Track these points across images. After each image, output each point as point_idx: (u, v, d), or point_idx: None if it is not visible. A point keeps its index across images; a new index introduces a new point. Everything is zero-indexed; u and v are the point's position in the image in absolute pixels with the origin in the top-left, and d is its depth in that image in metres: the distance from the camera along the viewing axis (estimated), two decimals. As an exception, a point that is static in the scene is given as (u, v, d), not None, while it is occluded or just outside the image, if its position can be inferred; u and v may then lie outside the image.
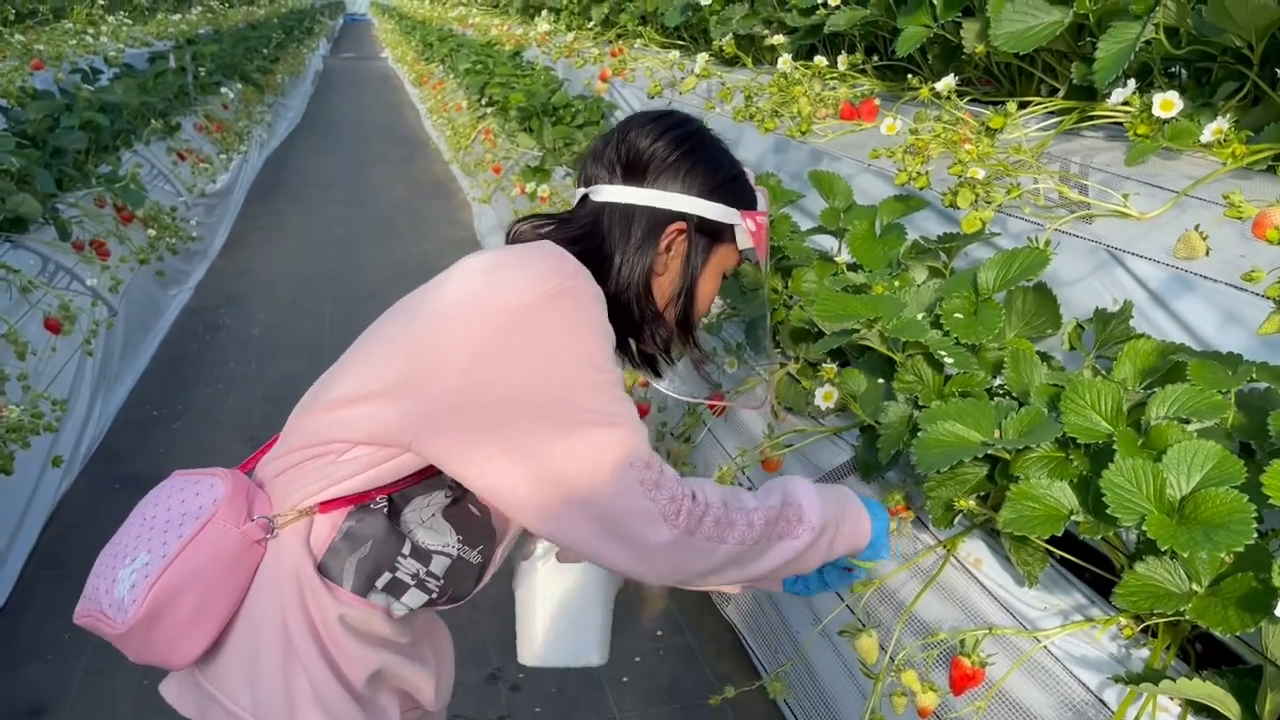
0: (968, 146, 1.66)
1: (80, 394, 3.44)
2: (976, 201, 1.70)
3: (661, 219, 1.20)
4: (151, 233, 4.06)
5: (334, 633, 1.08)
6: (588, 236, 1.19)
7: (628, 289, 1.19)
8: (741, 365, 2.26)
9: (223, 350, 4.57)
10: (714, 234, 1.22)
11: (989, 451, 1.29)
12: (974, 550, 1.63)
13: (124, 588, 1.03)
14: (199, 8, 8.61)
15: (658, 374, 1.34)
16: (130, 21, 6.40)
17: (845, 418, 2.13)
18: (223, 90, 6.82)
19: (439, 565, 1.11)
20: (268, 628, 1.07)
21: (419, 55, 12.59)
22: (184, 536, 1.03)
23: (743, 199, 1.23)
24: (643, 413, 2.76)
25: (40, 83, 4.39)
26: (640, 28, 5.03)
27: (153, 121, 4.86)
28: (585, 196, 1.23)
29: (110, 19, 5.97)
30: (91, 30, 5.46)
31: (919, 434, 1.34)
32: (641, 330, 1.23)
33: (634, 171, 1.21)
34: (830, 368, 1.55)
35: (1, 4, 4.73)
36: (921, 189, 1.97)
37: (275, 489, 1.10)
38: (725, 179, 1.22)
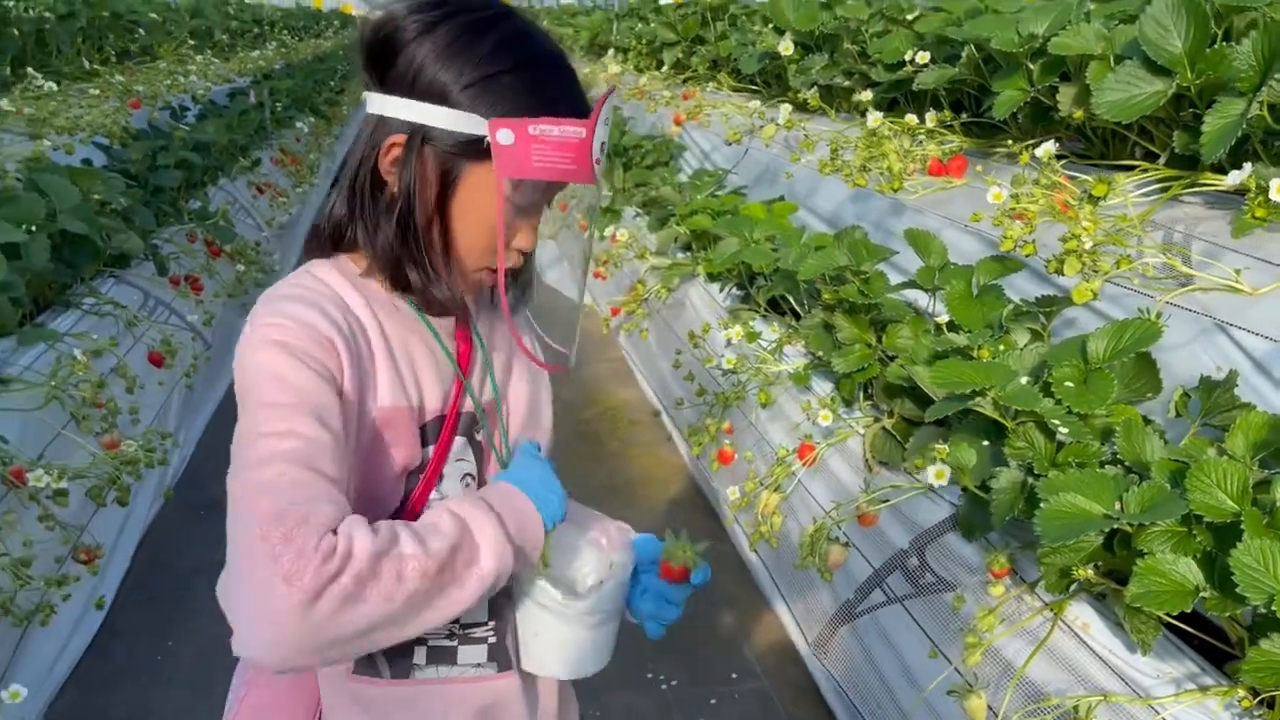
0: (1083, 223, 1.71)
1: (169, 422, 3.57)
2: (1084, 270, 1.74)
3: (386, 130, 1.00)
4: (241, 268, 4.20)
5: None
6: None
7: (348, 216, 1.04)
8: (836, 419, 2.31)
9: (297, 379, 4.69)
10: (460, 148, 0.98)
11: (1113, 526, 1.32)
12: (1081, 614, 1.66)
13: None
14: (274, 43, 8.87)
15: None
16: (217, 60, 6.63)
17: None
18: (298, 125, 7.03)
19: None
20: None
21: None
22: None
23: (509, 103, 0.97)
24: (725, 460, 2.82)
25: (136, 121, 4.57)
26: (712, 72, 5.12)
27: (240, 159, 5.03)
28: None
29: (199, 58, 6.19)
30: (181, 69, 5.66)
31: (1041, 505, 1.38)
32: (414, 267, 1.03)
33: (376, 70, 1.00)
34: (943, 448, 1.59)
35: (102, 45, 4.93)
36: (1008, 250, 2.02)
37: None
38: (484, 73, 0.97)
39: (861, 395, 2.41)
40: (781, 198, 3.68)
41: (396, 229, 1.01)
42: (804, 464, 2.43)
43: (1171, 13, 1.97)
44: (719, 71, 4.91)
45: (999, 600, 1.70)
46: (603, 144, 1.00)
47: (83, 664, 2.55)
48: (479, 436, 1.14)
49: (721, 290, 3.35)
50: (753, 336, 2.77)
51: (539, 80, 0.99)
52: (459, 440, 1.12)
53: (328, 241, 1.08)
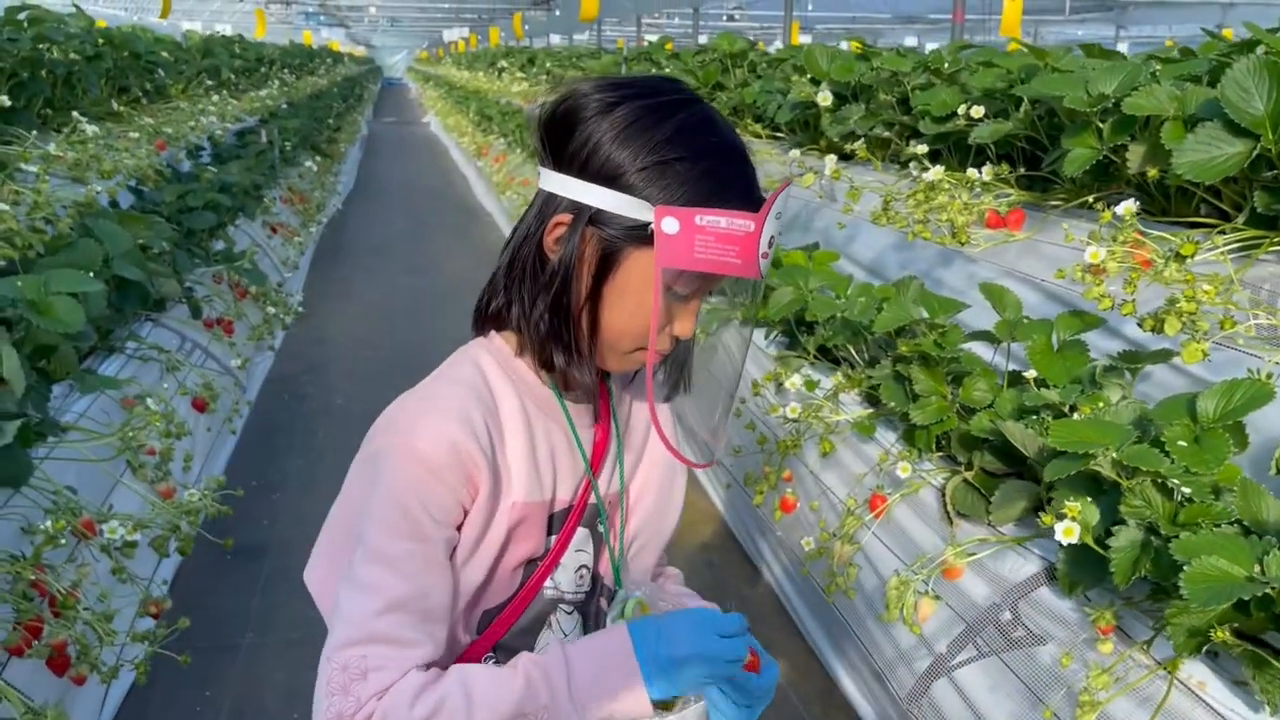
0: (1197, 285, 1.74)
1: (195, 466, 3.53)
2: (1184, 328, 1.77)
3: (554, 207, 1.00)
4: (271, 310, 4.19)
5: None
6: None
7: (506, 291, 1.04)
8: (914, 472, 2.33)
9: (310, 419, 4.66)
10: (625, 232, 0.97)
11: (1265, 591, 1.34)
12: (1194, 672, 1.67)
13: None
14: (276, 82, 8.90)
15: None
16: (234, 100, 6.64)
17: (1025, 526, 2.18)
18: (307, 164, 7.04)
19: None
20: None
21: (476, 126, 12.89)
22: None
23: (677, 190, 0.95)
24: (787, 508, 2.82)
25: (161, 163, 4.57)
26: (733, 119, 5.18)
27: (263, 199, 5.03)
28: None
29: (215, 98, 6.20)
30: (199, 109, 5.67)
31: (1185, 569, 1.39)
32: (561, 347, 1.03)
33: (551, 146, 1.00)
34: (1074, 506, 1.60)
35: (128, 86, 4.93)
36: (1105, 309, 2.05)
37: None
38: (658, 159, 0.95)
39: (934, 446, 2.42)
40: (817, 244, 3.71)
41: (550, 307, 1.01)
42: (876, 515, 2.44)
43: (1253, 75, 2.02)
44: (743, 118, 4.97)
45: (1111, 659, 1.71)
46: (771, 238, 0.97)
47: (121, 715, 2.50)
48: (600, 527, 1.14)
49: (767, 337, 3.37)
50: (812, 385, 2.78)
51: (712, 171, 0.96)
52: (581, 531, 1.12)
53: (488, 318, 1.09)
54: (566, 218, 0.98)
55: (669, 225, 0.93)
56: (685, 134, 0.96)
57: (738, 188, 0.97)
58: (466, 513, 1.01)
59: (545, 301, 1.01)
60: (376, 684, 0.93)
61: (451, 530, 1.00)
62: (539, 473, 1.06)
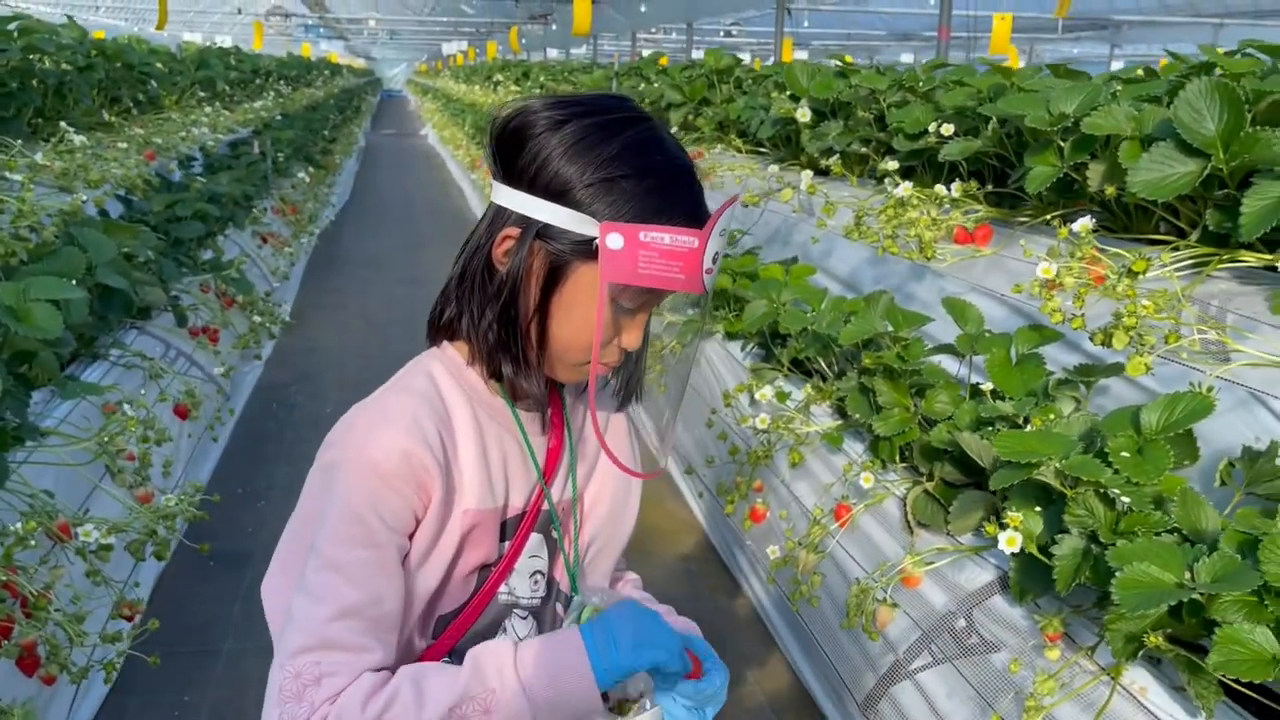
0: (1138, 300, 1.79)
1: (200, 474, 3.57)
2: (1131, 343, 1.82)
3: (503, 221, 1.03)
4: (258, 319, 4.23)
5: None
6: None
7: (457, 301, 1.08)
8: (877, 483, 2.37)
9: (299, 428, 4.69)
10: (571, 247, 0.99)
11: (1191, 596, 1.38)
12: (1137, 678, 1.71)
13: None
14: (271, 93, 8.97)
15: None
16: (227, 111, 6.70)
17: (984, 536, 2.22)
18: (300, 175, 7.09)
19: None
20: None
21: (471, 139, 12.97)
22: None
23: (623, 206, 0.97)
24: (757, 518, 2.86)
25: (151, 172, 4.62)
26: (718, 134, 5.24)
27: (253, 210, 5.08)
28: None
29: (208, 109, 6.25)
30: (190, 120, 5.72)
31: (1117, 575, 1.43)
32: (508, 357, 1.06)
33: (501, 160, 1.03)
34: (1016, 516, 1.64)
35: (119, 96, 4.98)
36: (1058, 323, 2.09)
37: None
38: (604, 176, 0.97)
39: (898, 457, 2.46)
40: (795, 259, 3.77)
41: (498, 318, 1.04)
42: (840, 524, 2.48)
43: (1204, 97, 2.07)
44: (727, 133, 5.03)
45: (1058, 665, 1.74)
46: (715, 254, 1.00)
47: (99, 718, 2.53)
48: (554, 534, 1.16)
49: (743, 349, 3.42)
50: (783, 397, 2.82)
51: (657, 188, 0.98)
52: (535, 537, 1.14)
53: (440, 329, 1.12)
54: (515, 231, 1.01)
55: (614, 241, 0.95)
56: (631, 151, 0.99)
57: (683, 205, 1.00)
58: (419, 520, 1.03)
59: (493, 312, 1.04)
60: (329, 689, 0.96)
61: (403, 538, 1.03)
62: (491, 480, 1.08)
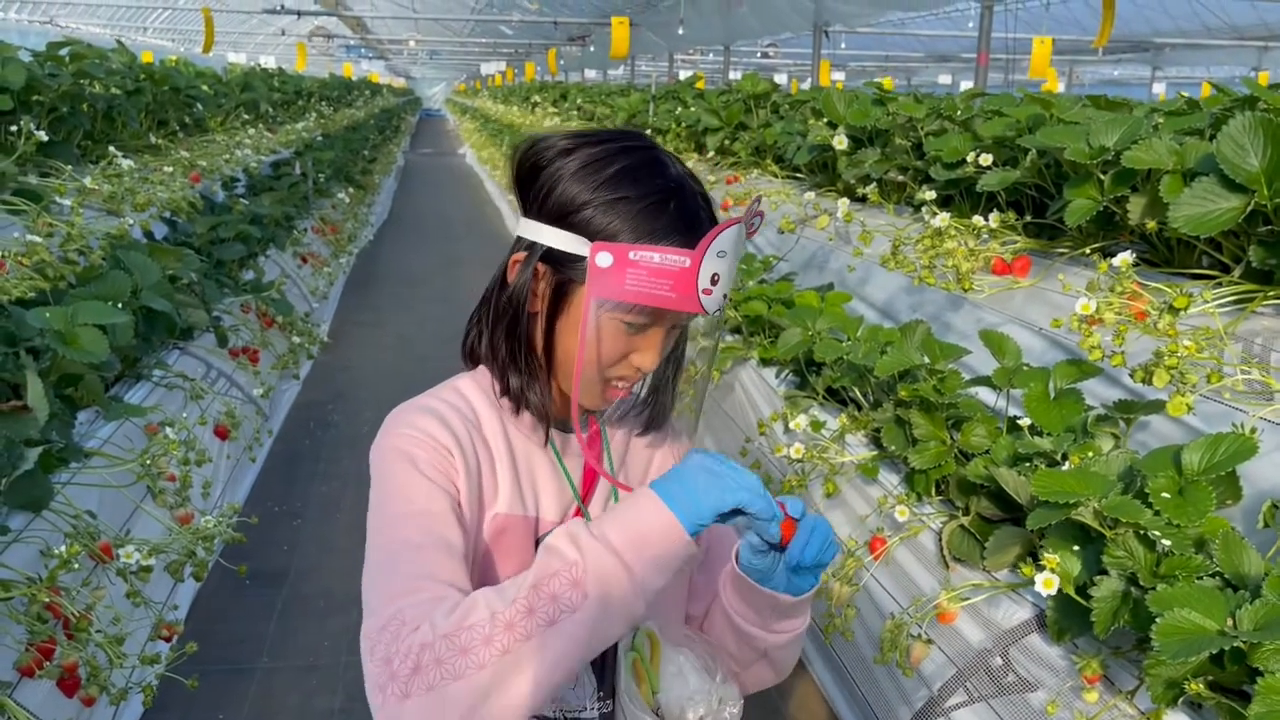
0: (1180, 339, 1.77)
1: (215, 493, 3.61)
2: (1173, 381, 1.79)
3: (519, 247, 1.08)
4: (297, 339, 4.28)
5: None
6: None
7: (476, 325, 1.14)
8: (912, 516, 2.35)
9: (335, 447, 4.74)
10: (571, 268, 1.03)
11: (1233, 645, 1.36)
12: (1178, 723, 1.68)
13: None
14: (313, 114, 9.11)
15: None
16: (270, 133, 6.80)
17: (1019, 574, 2.19)
18: (340, 195, 7.18)
19: None
20: None
21: (508, 159, 13.06)
22: None
23: (617, 227, 1.00)
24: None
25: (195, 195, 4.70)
26: (754, 159, 5.25)
27: (294, 230, 5.15)
28: None
29: (251, 131, 6.36)
30: (235, 141, 5.82)
31: (1157, 621, 1.41)
32: (515, 371, 1.10)
33: (519, 191, 1.09)
34: (1053, 558, 1.63)
35: (166, 119, 5.08)
36: (1097, 359, 2.07)
37: None
38: (602, 198, 1.01)
39: (933, 490, 2.44)
40: (830, 285, 3.76)
41: (505, 333, 1.09)
42: (875, 557, 2.46)
43: (1248, 133, 2.04)
44: (764, 159, 5.03)
45: (1097, 708, 1.72)
46: (715, 275, 0.99)
47: (134, 739, 2.57)
48: None
49: (778, 376, 3.41)
50: (818, 426, 2.81)
51: (652, 210, 1.01)
52: None
53: (468, 353, 1.17)
54: (521, 255, 1.06)
55: (602, 259, 0.98)
56: (629, 174, 1.02)
57: (679, 227, 1.01)
58: (457, 489, 1.06)
59: (501, 328, 1.10)
60: (416, 621, 0.93)
61: (452, 486, 1.05)
62: (520, 487, 1.11)
